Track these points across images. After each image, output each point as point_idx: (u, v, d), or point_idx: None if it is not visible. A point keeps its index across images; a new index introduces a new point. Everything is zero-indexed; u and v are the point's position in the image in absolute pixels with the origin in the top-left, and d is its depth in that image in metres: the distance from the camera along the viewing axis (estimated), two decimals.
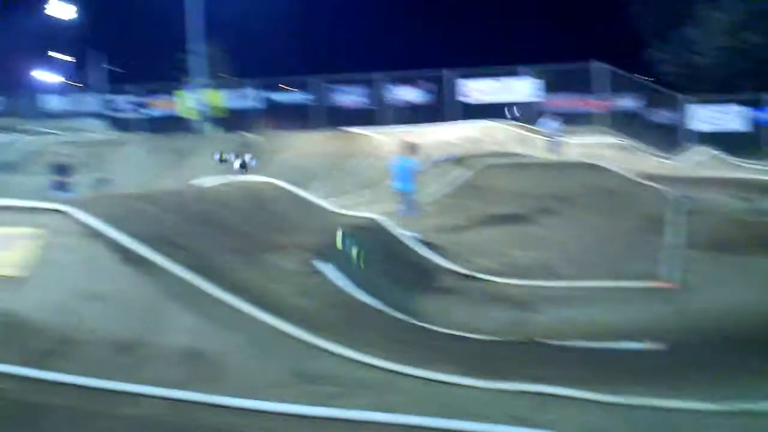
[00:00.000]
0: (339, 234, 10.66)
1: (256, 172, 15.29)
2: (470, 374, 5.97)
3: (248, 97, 36.10)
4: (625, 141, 26.44)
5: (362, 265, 9.99)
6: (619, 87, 31.07)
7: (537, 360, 7.09)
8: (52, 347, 6.59)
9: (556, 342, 7.79)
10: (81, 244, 7.47)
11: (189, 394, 5.71)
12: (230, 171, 15.30)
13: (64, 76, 60.14)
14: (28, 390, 5.98)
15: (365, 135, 25.83)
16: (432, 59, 45.58)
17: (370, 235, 11.33)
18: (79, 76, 55.87)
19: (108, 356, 6.40)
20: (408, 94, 33.78)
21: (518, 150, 22.70)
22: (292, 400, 5.55)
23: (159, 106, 38.03)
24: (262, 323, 6.77)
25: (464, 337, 7.98)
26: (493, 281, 10.83)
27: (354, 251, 10.49)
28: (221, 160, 14.98)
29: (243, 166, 14.80)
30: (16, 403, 5.76)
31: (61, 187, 15.90)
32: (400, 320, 8.38)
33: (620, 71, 31.07)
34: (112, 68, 54.05)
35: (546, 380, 5.78)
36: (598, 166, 17.66)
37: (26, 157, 25.72)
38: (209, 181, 12.13)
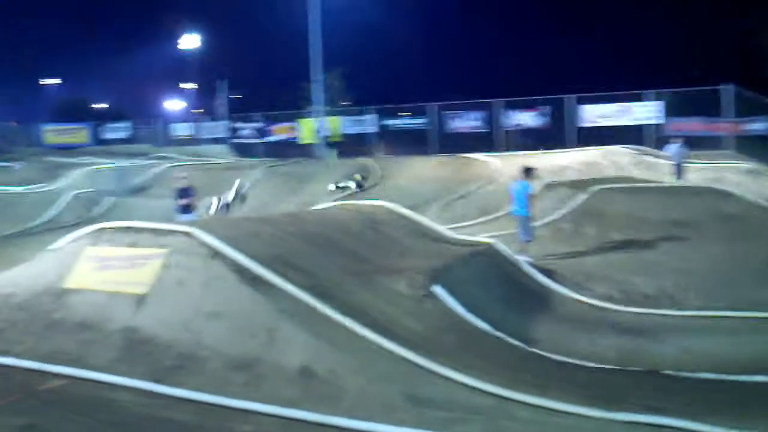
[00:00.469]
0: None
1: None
2: (586, 403, 5.81)
3: (366, 123, 36.64)
4: (756, 165, 25.21)
5: None
6: (749, 110, 29.62)
7: (658, 391, 6.82)
8: (175, 363, 6.84)
9: (679, 373, 7.47)
10: (203, 265, 7.76)
11: (303, 413, 5.80)
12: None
13: (190, 105, 62.90)
14: (151, 404, 6.22)
15: (481, 160, 25.68)
16: (550, 83, 45.09)
17: (485, 259, 11.23)
18: (203, 104, 58.33)
19: (226, 373, 6.59)
20: (525, 118, 33.42)
21: (640, 175, 22.02)
22: (405, 424, 5.55)
23: (279, 132, 39.10)
24: (376, 345, 6.80)
25: (580, 365, 7.78)
26: (612, 308, 10.51)
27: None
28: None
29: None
30: (140, 417, 6.00)
31: (186, 210, 16.52)
32: (514, 346, 8.25)
33: (750, 93, 29.67)
34: (235, 96, 56.11)
35: (667, 412, 5.56)
36: (725, 192, 16.92)
37: (155, 181, 26.95)
38: (325, 205, 12.36)
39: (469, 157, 26.34)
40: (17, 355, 7.27)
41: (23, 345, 7.50)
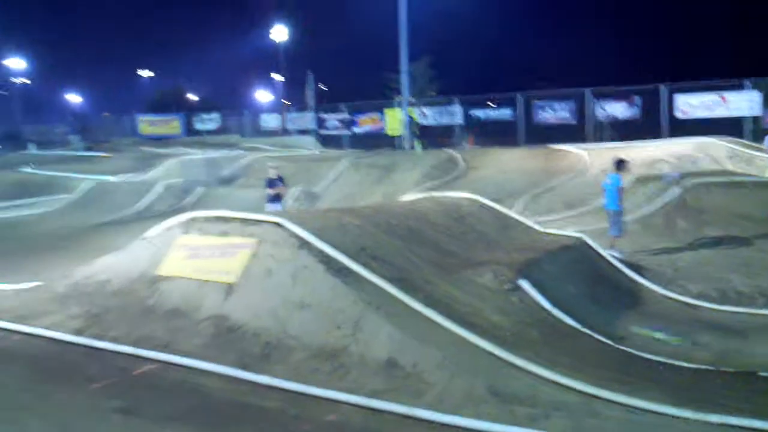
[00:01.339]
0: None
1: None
2: (677, 403, 5.63)
3: (453, 114, 36.48)
4: None
5: None
6: None
7: (755, 393, 6.55)
8: (262, 351, 6.97)
9: None
10: (291, 255, 7.88)
11: (387, 404, 5.81)
12: None
13: (278, 96, 63.89)
14: (238, 391, 6.35)
15: (571, 151, 25.13)
16: (642, 73, 43.90)
17: (573, 254, 11.02)
18: (291, 96, 59.12)
19: (312, 363, 6.67)
20: (617, 109, 32.61)
21: (736, 168, 21.20)
22: (490, 419, 5.50)
23: (364, 123, 39.35)
24: (460, 338, 6.76)
25: (671, 364, 7.54)
26: (706, 307, 10.16)
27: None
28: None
29: None
30: (227, 403, 6.12)
31: (275, 199, 16.76)
32: (602, 343, 8.06)
33: None
34: (322, 87, 56.69)
35: (765, 415, 5.33)
36: None
37: (244, 172, 27.44)
38: (411, 196, 12.33)
39: (557, 149, 25.84)
40: (112, 340, 7.54)
41: (118, 330, 7.77)
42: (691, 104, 30.90)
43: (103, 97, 73.48)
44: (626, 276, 11.18)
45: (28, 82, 66.52)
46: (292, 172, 23.97)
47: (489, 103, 36.73)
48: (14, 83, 62.11)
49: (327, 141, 39.92)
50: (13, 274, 11.74)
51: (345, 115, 40.02)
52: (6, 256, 14.85)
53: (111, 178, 27.48)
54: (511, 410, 5.68)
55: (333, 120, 40.67)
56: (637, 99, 32.26)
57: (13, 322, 8.37)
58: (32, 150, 40.81)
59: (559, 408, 5.71)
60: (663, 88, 31.17)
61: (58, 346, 7.67)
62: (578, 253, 11.21)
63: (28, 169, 28.69)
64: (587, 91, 33.04)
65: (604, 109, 32.69)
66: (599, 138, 30.44)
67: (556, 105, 33.97)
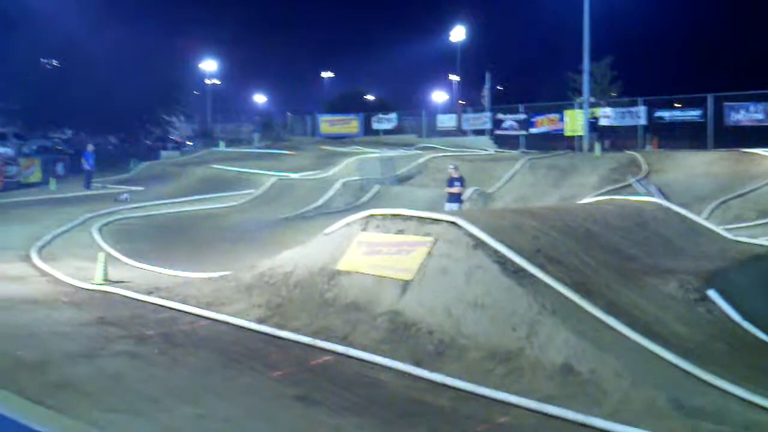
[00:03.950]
0: None
1: None
2: None
3: (636, 115, 35.09)
4: None
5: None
6: None
7: None
8: (436, 349, 7.02)
9: None
10: (467, 254, 7.87)
11: (563, 411, 5.67)
12: None
13: (454, 96, 64.11)
14: (411, 387, 6.43)
15: (765, 155, 23.45)
16: None
17: (766, 264, 10.28)
18: (467, 96, 59.10)
19: (485, 363, 6.63)
20: None
21: None
22: None
23: (542, 124, 38.62)
24: (641, 347, 6.50)
25: None
26: None
27: None
28: None
29: None
30: (400, 398, 6.21)
31: (454, 199, 16.87)
32: None
33: None
34: (498, 88, 56.28)
35: None
36: None
37: (420, 171, 27.71)
38: (591, 199, 11.97)
39: (749, 152, 24.22)
40: (293, 330, 7.85)
41: (299, 321, 8.09)
42: None
43: (287, 96, 76.60)
44: None
45: (218, 82, 70.46)
46: (467, 172, 23.95)
47: (676, 104, 34.96)
48: (207, 84, 65.98)
49: (502, 141, 39.50)
50: (203, 263, 12.51)
51: (522, 116, 39.43)
52: (197, 246, 15.86)
53: (293, 175, 28.57)
54: (695, 426, 5.41)
55: (509, 120, 40.16)
56: None
57: (202, 308, 8.94)
58: (222, 147, 43.17)
59: (750, 428, 5.40)
60: None
61: (242, 332, 8.09)
62: None
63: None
64: None
65: None
66: None
67: (751, 106, 31.75)
